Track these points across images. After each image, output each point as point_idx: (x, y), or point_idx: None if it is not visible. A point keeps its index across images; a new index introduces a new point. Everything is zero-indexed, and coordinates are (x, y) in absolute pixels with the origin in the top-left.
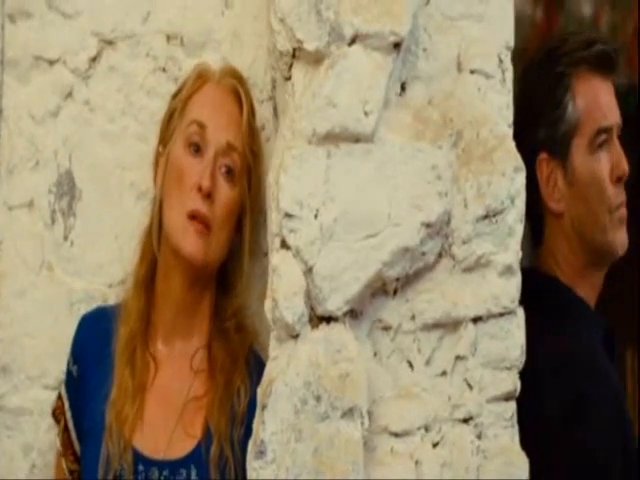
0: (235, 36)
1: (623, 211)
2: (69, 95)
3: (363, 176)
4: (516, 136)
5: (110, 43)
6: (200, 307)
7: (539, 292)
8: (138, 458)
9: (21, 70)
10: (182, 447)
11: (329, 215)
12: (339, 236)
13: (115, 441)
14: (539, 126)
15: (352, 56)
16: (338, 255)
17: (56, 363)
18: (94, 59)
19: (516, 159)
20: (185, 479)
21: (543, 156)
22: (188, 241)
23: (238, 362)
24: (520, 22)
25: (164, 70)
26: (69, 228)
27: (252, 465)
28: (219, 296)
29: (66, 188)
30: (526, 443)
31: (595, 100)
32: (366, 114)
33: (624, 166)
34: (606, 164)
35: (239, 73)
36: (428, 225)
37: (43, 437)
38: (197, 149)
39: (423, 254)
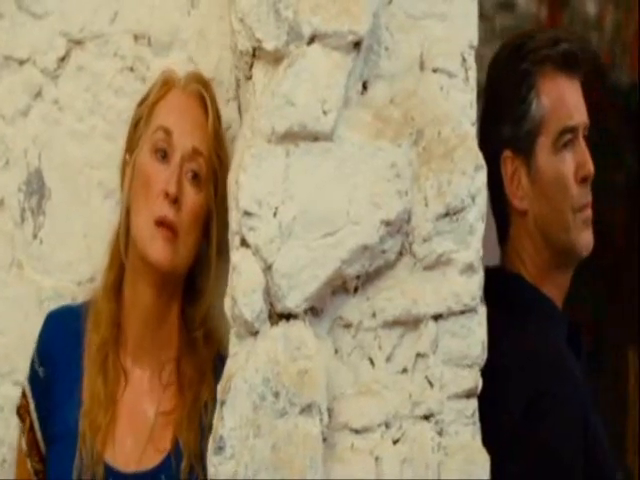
0: (201, 36)
1: (588, 212)
2: (38, 95)
3: (322, 175)
4: (482, 132)
5: (78, 43)
6: (169, 317)
7: (504, 290)
8: (109, 472)
9: None
10: (152, 460)
11: (288, 213)
12: (298, 234)
13: (88, 451)
14: (504, 123)
15: (311, 55)
16: (297, 253)
17: (26, 360)
18: (63, 59)
19: (477, 157)
20: None
21: (507, 153)
22: (155, 248)
23: (206, 375)
24: (524, 20)
25: (132, 69)
26: (38, 227)
27: (211, 461)
28: (187, 304)
29: (36, 187)
30: (490, 439)
31: (560, 99)
32: (325, 113)
33: (589, 167)
34: (571, 164)
35: (204, 78)
36: (387, 223)
37: (13, 433)
38: (164, 155)
39: (383, 252)
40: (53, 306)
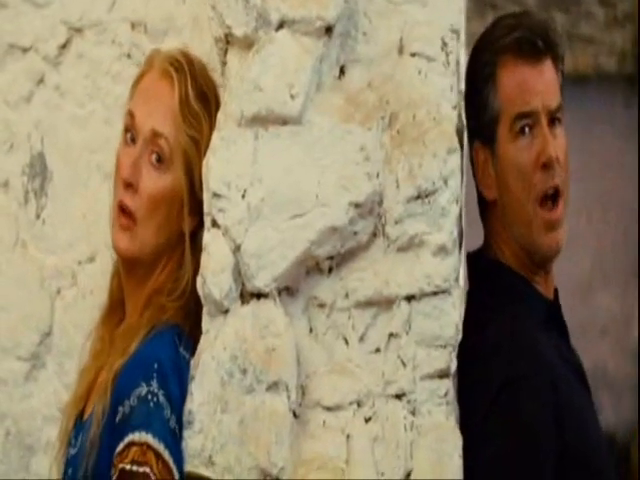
0: (195, 23)
1: (552, 215)
2: (41, 81)
3: (291, 157)
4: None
5: (78, 31)
6: (142, 293)
7: (483, 273)
8: (76, 423)
9: None
10: (90, 409)
11: (256, 195)
12: (266, 216)
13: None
14: (470, 114)
15: (279, 41)
16: (265, 234)
17: (28, 336)
18: (64, 46)
19: (451, 141)
20: (81, 439)
21: (477, 144)
22: (115, 237)
23: (135, 337)
24: None
25: (129, 56)
26: (41, 207)
27: (182, 435)
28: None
29: (38, 169)
30: (467, 420)
31: (517, 86)
32: (292, 97)
33: (548, 152)
34: (530, 151)
35: (181, 58)
36: (357, 205)
37: (17, 406)
38: (132, 139)
39: (355, 234)
40: (54, 284)
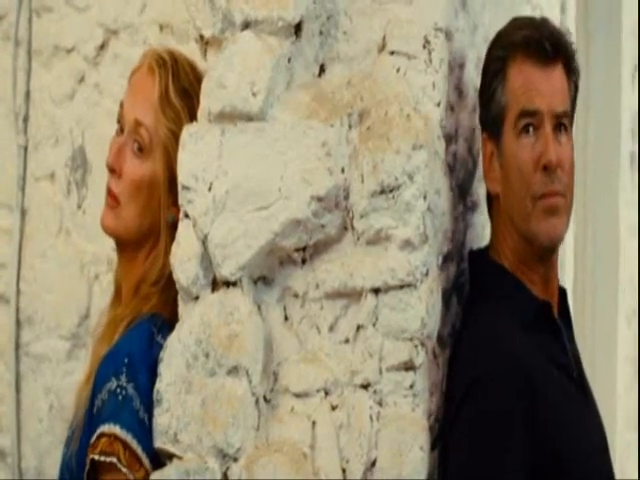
0: None
1: (551, 201)
2: (82, 80)
3: (255, 152)
4: None
5: (114, 33)
6: (131, 276)
7: (473, 271)
8: None
9: (44, 58)
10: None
11: (221, 188)
12: (231, 207)
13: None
14: (480, 107)
15: (241, 41)
16: (230, 225)
17: (69, 317)
18: (102, 47)
19: (417, 137)
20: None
21: (485, 136)
22: (103, 214)
23: (120, 326)
24: None
25: None
26: (82, 198)
27: (153, 411)
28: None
29: (79, 162)
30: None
31: (524, 84)
32: (254, 94)
33: (548, 155)
34: (531, 150)
35: (166, 55)
36: (319, 199)
37: (60, 382)
38: (121, 128)
39: (322, 226)
40: (93, 270)
